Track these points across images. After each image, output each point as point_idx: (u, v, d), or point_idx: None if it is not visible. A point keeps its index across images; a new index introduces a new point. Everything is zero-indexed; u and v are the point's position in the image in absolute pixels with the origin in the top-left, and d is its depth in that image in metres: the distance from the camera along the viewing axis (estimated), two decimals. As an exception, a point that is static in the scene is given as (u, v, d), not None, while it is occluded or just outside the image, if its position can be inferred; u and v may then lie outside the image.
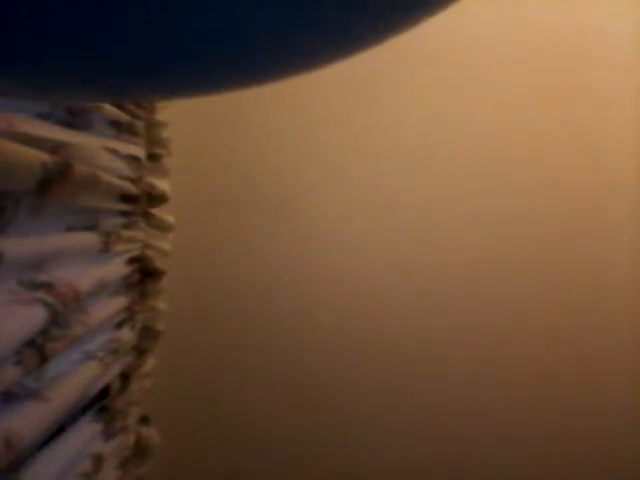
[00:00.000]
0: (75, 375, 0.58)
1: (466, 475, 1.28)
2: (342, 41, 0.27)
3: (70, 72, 0.26)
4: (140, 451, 0.93)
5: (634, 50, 1.26)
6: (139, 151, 0.82)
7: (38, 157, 0.46)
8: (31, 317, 0.48)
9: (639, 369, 1.26)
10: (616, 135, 1.28)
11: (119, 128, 0.75)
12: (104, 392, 0.77)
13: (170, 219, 0.95)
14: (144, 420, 0.96)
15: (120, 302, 0.77)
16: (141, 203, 0.83)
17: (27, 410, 0.48)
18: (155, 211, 0.90)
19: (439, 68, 1.29)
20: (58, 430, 0.62)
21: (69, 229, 0.62)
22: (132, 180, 0.78)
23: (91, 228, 0.67)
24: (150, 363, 0.96)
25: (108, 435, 0.74)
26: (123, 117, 0.75)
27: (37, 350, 0.49)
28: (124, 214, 0.78)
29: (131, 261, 0.81)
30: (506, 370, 1.28)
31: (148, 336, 0.91)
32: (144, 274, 0.87)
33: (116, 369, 0.76)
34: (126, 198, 0.76)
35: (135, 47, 0.23)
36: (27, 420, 0.47)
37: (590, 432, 1.27)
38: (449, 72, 1.29)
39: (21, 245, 0.49)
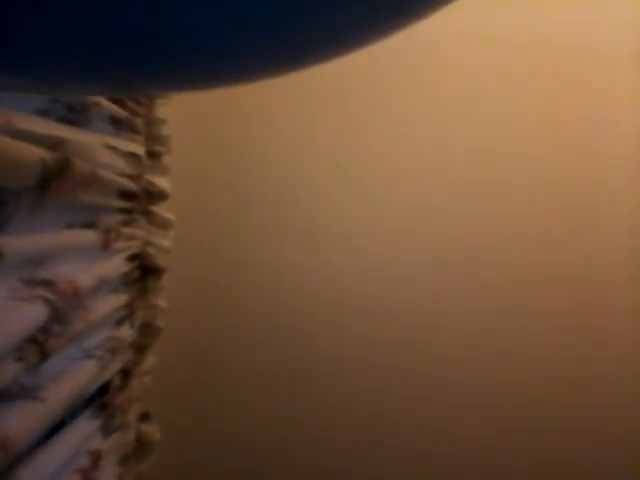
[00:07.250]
0: (72, 374, 0.58)
1: (464, 473, 1.29)
2: (343, 34, 0.27)
3: (72, 65, 0.26)
4: (141, 448, 0.93)
5: (634, 50, 1.26)
6: (139, 148, 0.82)
7: (37, 154, 0.46)
8: (32, 314, 0.48)
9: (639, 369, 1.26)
10: (616, 135, 1.28)
11: (119, 125, 0.75)
12: (104, 389, 0.77)
13: (170, 216, 0.95)
14: (145, 417, 0.96)
15: (120, 299, 0.77)
16: (141, 200, 0.83)
17: (23, 410, 0.48)
18: (155, 208, 0.90)
19: (440, 68, 1.29)
20: (58, 426, 0.62)
21: (69, 226, 0.62)
22: (132, 177, 0.78)
23: (91, 225, 0.67)
24: (150, 360, 0.96)
25: (107, 432, 0.74)
26: (123, 114, 0.75)
27: (38, 347, 0.50)
28: (124, 211, 0.78)
29: (131, 258, 0.81)
30: (506, 370, 1.28)
31: (148, 333, 0.92)
32: (144, 271, 0.87)
33: (115, 367, 0.76)
34: (126, 195, 0.76)
35: (135, 39, 0.23)
36: (23, 421, 0.47)
37: (590, 432, 1.27)
38: (449, 72, 1.29)
39: (21, 242, 0.49)
